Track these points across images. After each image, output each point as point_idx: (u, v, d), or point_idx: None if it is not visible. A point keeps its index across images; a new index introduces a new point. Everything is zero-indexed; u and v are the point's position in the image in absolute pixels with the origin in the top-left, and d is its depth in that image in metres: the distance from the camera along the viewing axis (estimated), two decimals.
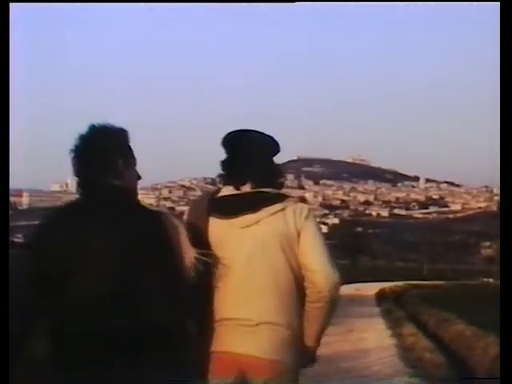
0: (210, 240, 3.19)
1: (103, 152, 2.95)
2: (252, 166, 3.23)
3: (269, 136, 3.36)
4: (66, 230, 2.86)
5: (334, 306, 3.23)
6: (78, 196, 2.98)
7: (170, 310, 2.84)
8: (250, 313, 3.16)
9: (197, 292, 3.00)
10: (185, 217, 3.29)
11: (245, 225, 3.18)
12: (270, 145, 3.34)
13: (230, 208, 3.20)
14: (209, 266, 3.09)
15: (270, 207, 3.18)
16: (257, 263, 3.18)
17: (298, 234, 3.18)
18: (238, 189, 3.23)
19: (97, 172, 2.94)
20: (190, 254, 2.95)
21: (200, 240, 3.09)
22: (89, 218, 2.88)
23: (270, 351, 3.15)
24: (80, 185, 3.00)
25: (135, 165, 3.09)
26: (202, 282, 3.01)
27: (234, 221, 3.19)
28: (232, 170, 3.26)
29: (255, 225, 3.18)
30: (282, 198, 3.22)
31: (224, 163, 3.30)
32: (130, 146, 3.08)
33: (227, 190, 3.26)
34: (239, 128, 3.37)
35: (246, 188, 3.23)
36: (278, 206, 3.19)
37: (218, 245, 3.19)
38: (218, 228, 3.20)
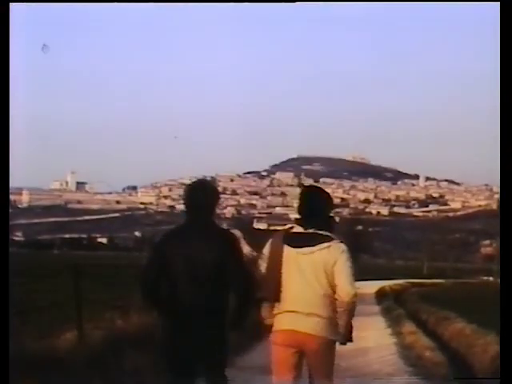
0: (283, 259, 5.22)
1: (205, 199, 5.14)
2: (318, 217, 5.25)
3: (330, 195, 5.47)
4: (178, 241, 5.08)
5: (354, 308, 5.26)
6: (185, 221, 5.17)
7: (248, 293, 5.12)
8: (305, 307, 5.18)
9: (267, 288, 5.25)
10: (268, 244, 5.32)
11: (305, 253, 5.20)
12: (330, 203, 5.43)
13: (298, 241, 5.21)
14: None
15: (321, 244, 5.18)
16: (309, 278, 5.19)
17: (335, 263, 5.16)
18: (305, 229, 5.24)
19: (199, 210, 5.12)
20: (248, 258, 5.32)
21: (278, 259, 5.20)
22: (192, 236, 5.08)
23: (316, 330, 5.19)
24: (188, 215, 5.16)
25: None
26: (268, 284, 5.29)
27: (298, 250, 5.20)
28: (305, 217, 5.29)
29: (311, 254, 5.18)
30: (330, 239, 5.21)
31: (300, 210, 5.34)
32: (219, 196, 5.30)
33: (297, 228, 5.29)
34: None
35: (310, 229, 5.22)
36: (326, 244, 5.19)
37: (288, 263, 5.22)
38: (289, 253, 5.23)
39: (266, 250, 5.34)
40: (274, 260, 5.22)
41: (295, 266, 5.20)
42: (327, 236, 5.23)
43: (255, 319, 5.31)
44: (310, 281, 5.18)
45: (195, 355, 5.03)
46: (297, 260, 5.19)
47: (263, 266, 5.29)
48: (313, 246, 5.18)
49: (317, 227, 5.23)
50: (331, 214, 5.42)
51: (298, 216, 5.36)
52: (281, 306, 5.26)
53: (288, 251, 5.23)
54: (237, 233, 5.85)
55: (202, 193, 5.15)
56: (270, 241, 5.37)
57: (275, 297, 5.24)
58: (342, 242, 5.26)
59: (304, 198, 5.38)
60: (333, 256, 5.17)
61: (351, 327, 5.37)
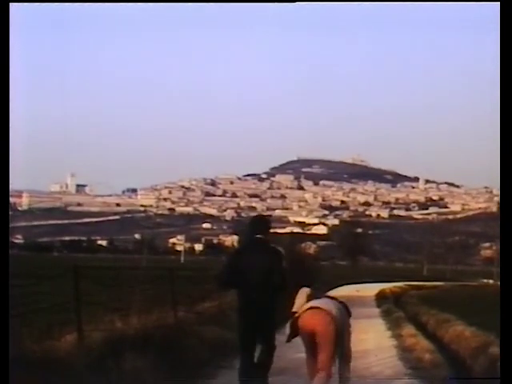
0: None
1: (262, 228, 8.28)
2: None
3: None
4: (244, 254, 8.20)
5: None
6: (249, 241, 8.30)
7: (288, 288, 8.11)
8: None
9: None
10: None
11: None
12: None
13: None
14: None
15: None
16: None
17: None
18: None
19: (258, 234, 8.19)
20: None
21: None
22: (253, 251, 8.12)
23: (327, 307, 7.71)
24: (250, 237, 8.22)
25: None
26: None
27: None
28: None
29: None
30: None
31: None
32: (271, 226, 8.49)
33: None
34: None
35: None
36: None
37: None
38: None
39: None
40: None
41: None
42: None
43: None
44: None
45: (256, 322, 8.05)
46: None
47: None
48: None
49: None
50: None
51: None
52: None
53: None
54: (281, 249, 8.48)
55: (260, 224, 8.44)
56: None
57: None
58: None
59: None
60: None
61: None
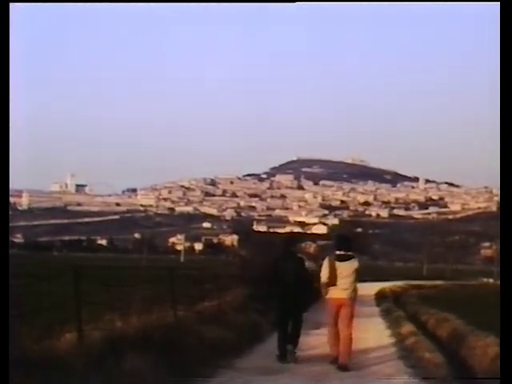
0: (336, 268, 11.05)
1: (294, 240, 12.71)
2: (347, 246, 11.34)
3: (348, 236, 13.34)
4: (279, 261, 11.89)
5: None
6: (283, 252, 12.06)
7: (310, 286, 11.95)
8: (343, 286, 11.08)
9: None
10: (326, 260, 11.23)
11: (345, 264, 11.11)
12: (350, 239, 12.12)
13: (341, 258, 11.13)
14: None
15: (351, 259, 11.21)
16: (346, 274, 11.10)
17: (357, 268, 11.21)
18: (343, 253, 11.19)
19: (289, 247, 12.11)
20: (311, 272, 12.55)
21: (333, 268, 11.00)
22: (285, 260, 11.76)
23: (347, 296, 11.13)
24: (283, 249, 12.09)
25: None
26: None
27: (342, 263, 11.11)
28: (342, 247, 11.24)
29: (347, 264, 11.13)
30: (354, 257, 11.30)
31: (339, 243, 11.40)
32: (297, 240, 13.58)
33: (339, 252, 11.19)
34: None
35: (345, 252, 11.20)
36: (353, 259, 11.23)
37: (338, 270, 11.06)
38: (338, 264, 11.09)
39: (326, 262, 11.10)
40: (331, 267, 10.98)
41: (340, 269, 10.98)
42: (353, 255, 11.18)
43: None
44: (346, 275, 10.98)
45: (289, 306, 11.56)
46: (341, 266, 11.00)
47: (326, 270, 11.01)
48: (347, 260, 11.06)
49: (347, 251, 11.14)
50: (351, 244, 11.42)
51: (338, 246, 11.23)
52: (333, 286, 10.94)
53: (337, 264, 11.00)
54: (305, 257, 12.27)
55: (290, 240, 12.33)
56: (327, 258, 11.21)
57: (333, 282, 10.94)
58: (356, 257, 11.21)
59: (339, 240, 11.63)
60: (356, 265, 11.10)
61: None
